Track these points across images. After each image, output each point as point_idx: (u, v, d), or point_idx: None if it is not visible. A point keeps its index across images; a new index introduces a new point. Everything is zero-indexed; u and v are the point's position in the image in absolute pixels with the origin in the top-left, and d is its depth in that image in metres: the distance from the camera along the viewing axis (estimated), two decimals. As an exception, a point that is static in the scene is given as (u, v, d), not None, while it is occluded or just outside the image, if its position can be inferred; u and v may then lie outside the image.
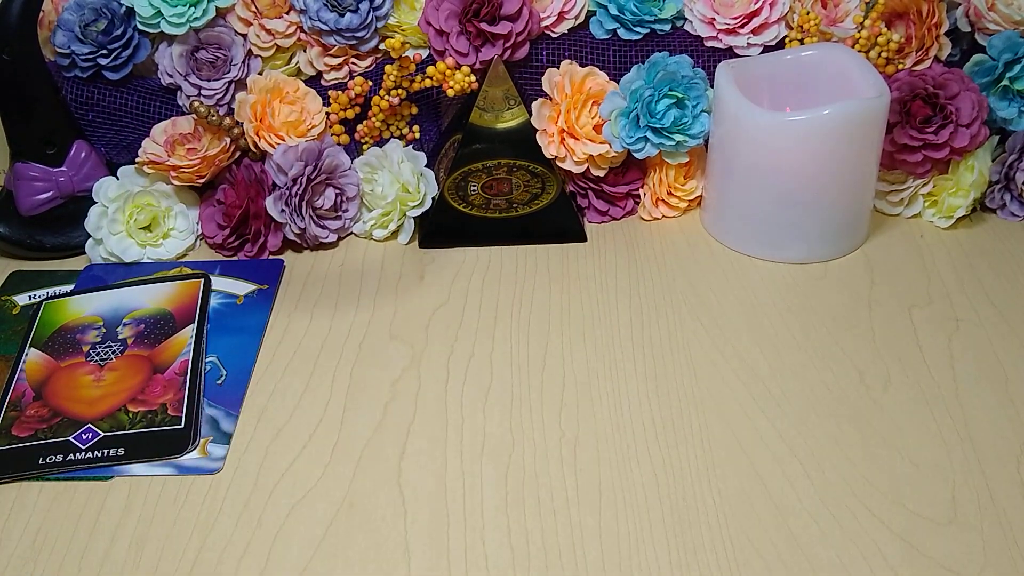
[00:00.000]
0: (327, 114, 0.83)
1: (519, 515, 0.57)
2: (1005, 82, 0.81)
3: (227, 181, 0.82)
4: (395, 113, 0.84)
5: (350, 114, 0.83)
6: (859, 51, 0.81)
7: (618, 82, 0.80)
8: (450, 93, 0.80)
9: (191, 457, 0.62)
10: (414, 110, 0.85)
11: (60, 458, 0.62)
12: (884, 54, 0.82)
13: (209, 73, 0.83)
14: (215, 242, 0.82)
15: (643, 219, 0.85)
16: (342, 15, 0.81)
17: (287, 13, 0.83)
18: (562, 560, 0.54)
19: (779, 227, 0.78)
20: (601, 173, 0.82)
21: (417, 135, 0.85)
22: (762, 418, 0.64)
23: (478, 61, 0.81)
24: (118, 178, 0.81)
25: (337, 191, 0.81)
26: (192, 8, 0.81)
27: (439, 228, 0.82)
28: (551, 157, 0.80)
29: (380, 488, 0.60)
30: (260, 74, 0.83)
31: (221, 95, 0.84)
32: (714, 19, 0.83)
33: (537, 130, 0.80)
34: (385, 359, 0.70)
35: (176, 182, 0.80)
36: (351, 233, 0.84)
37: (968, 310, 0.73)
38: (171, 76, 0.84)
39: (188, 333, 0.71)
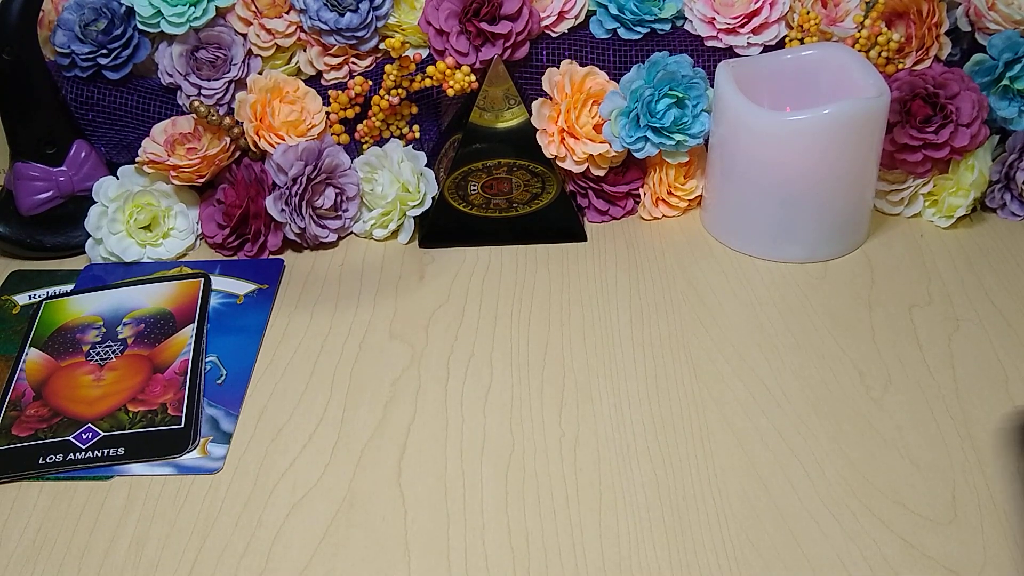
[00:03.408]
0: (327, 114, 0.83)
1: (519, 515, 0.57)
2: (1005, 82, 0.81)
3: (227, 181, 0.82)
4: (395, 113, 0.84)
5: (350, 114, 0.83)
6: (859, 51, 0.81)
7: (618, 82, 0.80)
8: (450, 93, 0.80)
9: (191, 457, 0.62)
10: (414, 110, 0.85)
11: (60, 458, 0.62)
12: (884, 53, 0.82)
13: (209, 73, 0.83)
14: (215, 242, 0.82)
15: (643, 219, 0.85)
16: (342, 15, 0.81)
17: (287, 13, 0.83)
18: (562, 560, 0.54)
19: (779, 227, 0.78)
20: (601, 173, 0.82)
21: (417, 135, 0.85)
22: (762, 418, 0.64)
23: (478, 61, 0.81)
24: (118, 178, 0.81)
25: (337, 191, 0.81)
26: (192, 8, 0.81)
27: (439, 228, 0.82)
28: (551, 157, 0.80)
29: (380, 488, 0.60)
30: (260, 74, 0.83)
31: (221, 95, 0.84)
32: (714, 19, 0.83)
33: (537, 130, 0.80)
34: (385, 359, 0.70)
35: (176, 182, 0.80)
36: (351, 233, 0.84)
37: (968, 310, 0.73)
38: (171, 76, 0.84)
39: (188, 333, 0.71)
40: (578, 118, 0.80)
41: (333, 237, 0.82)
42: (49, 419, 0.65)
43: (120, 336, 0.72)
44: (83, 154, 0.82)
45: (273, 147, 0.80)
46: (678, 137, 0.80)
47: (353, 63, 0.84)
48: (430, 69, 0.80)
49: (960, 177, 0.80)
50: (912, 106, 0.79)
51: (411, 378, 0.68)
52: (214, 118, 0.78)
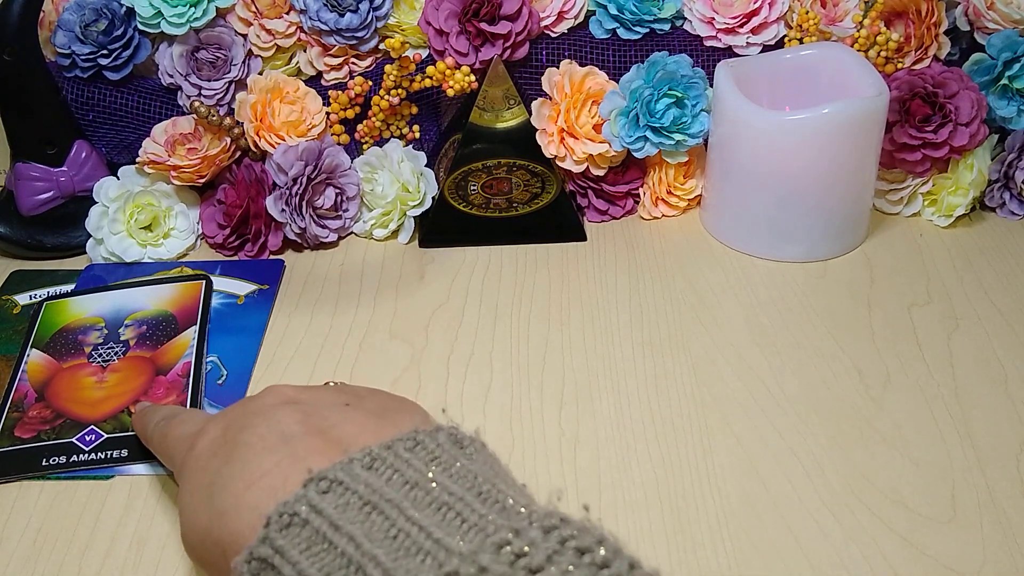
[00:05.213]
0: (327, 114, 0.83)
1: (520, 515, 0.57)
2: (1004, 81, 0.81)
3: (227, 181, 0.82)
4: (395, 113, 0.84)
5: (350, 114, 0.83)
6: (858, 50, 0.81)
7: (618, 81, 0.80)
8: (450, 93, 0.81)
9: (192, 457, 0.62)
10: (414, 110, 0.85)
11: (63, 459, 0.62)
12: (883, 53, 0.82)
13: (209, 73, 0.83)
14: (215, 242, 0.82)
15: (643, 218, 0.85)
16: (342, 15, 0.81)
17: (287, 13, 0.83)
18: (563, 560, 0.54)
19: (779, 226, 0.78)
20: (601, 172, 0.82)
21: (417, 135, 0.85)
22: (762, 418, 0.64)
23: (478, 61, 0.81)
24: (118, 178, 0.81)
25: (337, 191, 0.81)
26: (192, 8, 0.81)
27: (439, 227, 0.82)
28: (551, 156, 0.80)
29: (381, 488, 0.60)
30: (260, 74, 0.83)
31: (221, 95, 0.84)
32: (713, 18, 0.83)
33: (537, 129, 0.80)
34: (385, 359, 0.70)
35: (176, 182, 0.80)
36: (351, 233, 0.84)
37: (968, 309, 0.73)
38: (171, 76, 0.84)
39: (190, 335, 0.71)
40: (578, 118, 0.80)
41: (333, 237, 0.82)
42: (52, 420, 0.65)
43: (122, 338, 0.72)
44: (84, 154, 0.82)
45: (273, 147, 0.80)
46: (677, 137, 0.80)
47: (353, 63, 0.85)
48: (430, 69, 0.81)
49: (959, 176, 0.81)
50: (911, 105, 0.79)
51: (411, 378, 0.68)
52: (214, 118, 0.78)
